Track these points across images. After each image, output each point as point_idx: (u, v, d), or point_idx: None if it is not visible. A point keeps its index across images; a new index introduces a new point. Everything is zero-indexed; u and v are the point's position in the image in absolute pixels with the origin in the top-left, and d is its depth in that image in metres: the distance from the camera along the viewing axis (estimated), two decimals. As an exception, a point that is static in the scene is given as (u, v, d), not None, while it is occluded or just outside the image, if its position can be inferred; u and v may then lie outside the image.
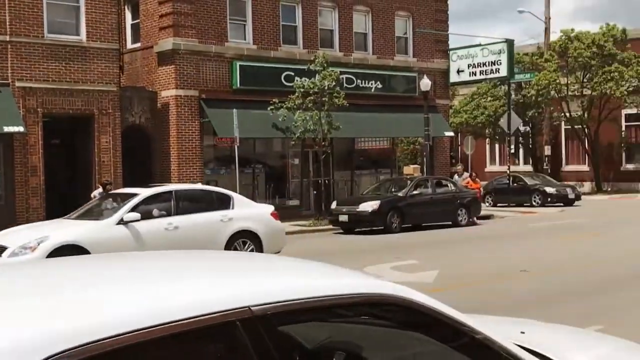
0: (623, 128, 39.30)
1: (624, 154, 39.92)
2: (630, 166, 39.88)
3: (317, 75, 22.35)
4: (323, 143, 22.80)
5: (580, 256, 14.29)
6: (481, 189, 24.71)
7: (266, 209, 14.48)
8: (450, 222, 21.70)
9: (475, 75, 29.22)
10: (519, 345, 2.76)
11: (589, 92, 35.65)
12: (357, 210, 20.34)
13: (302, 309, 2.27)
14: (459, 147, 39.30)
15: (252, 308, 2.13)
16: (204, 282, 2.44)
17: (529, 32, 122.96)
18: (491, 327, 2.79)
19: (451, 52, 29.62)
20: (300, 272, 2.73)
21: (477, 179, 25.52)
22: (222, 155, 23.93)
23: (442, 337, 2.54)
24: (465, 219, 22.03)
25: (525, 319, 4.61)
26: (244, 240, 13.36)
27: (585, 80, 35.97)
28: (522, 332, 3.23)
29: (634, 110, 37.15)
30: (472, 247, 16.68)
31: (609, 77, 33.94)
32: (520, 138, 41.32)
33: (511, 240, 17.95)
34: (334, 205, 21.50)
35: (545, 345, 3.03)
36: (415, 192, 21.46)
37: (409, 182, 22.29)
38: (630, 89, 34.65)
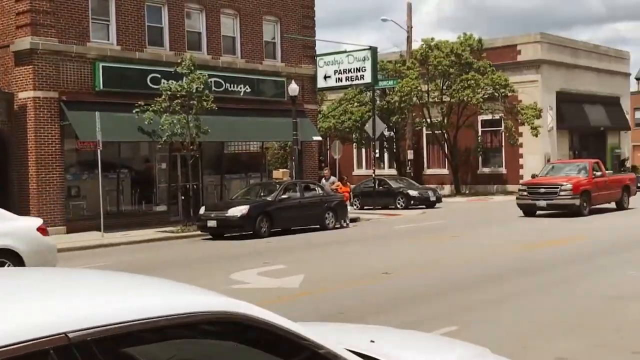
0: (479, 133, 41.56)
1: (480, 158, 42.28)
2: (486, 170, 42.28)
3: (184, 78, 22.00)
4: (191, 147, 22.47)
5: (440, 258, 14.87)
6: (351, 192, 25.26)
7: (32, 223, 12.55)
8: (318, 226, 22.06)
9: (341, 81, 29.88)
10: (366, 356, 2.83)
11: (448, 99, 37.40)
12: (226, 215, 20.20)
13: (129, 332, 2.10)
14: (328, 152, 40.03)
15: (69, 335, 1.95)
16: (12, 307, 2.15)
17: (394, 40, 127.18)
18: (341, 336, 2.83)
19: (318, 58, 30.13)
20: (131, 291, 2.53)
21: (347, 183, 26.11)
22: (84, 159, 23.01)
23: (285, 354, 2.50)
24: (332, 222, 22.46)
25: (379, 326, 4.72)
26: (1, 261, 11.34)
27: (444, 87, 37.72)
28: (372, 341, 3.26)
29: (489, 117, 39.42)
30: (338, 251, 16.99)
31: (466, 85, 35.76)
32: (385, 143, 42.72)
33: (376, 243, 18.43)
34: (202, 210, 21.23)
35: (393, 354, 3.08)
36: (284, 196, 21.61)
37: (278, 186, 22.42)
38: (486, 96, 36.70)
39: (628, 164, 49.87)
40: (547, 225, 21.52)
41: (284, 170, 27.44)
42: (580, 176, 25.12)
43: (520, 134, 38.73)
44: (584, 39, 64.66)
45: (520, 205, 25.09)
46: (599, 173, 25.78)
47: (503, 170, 41.94)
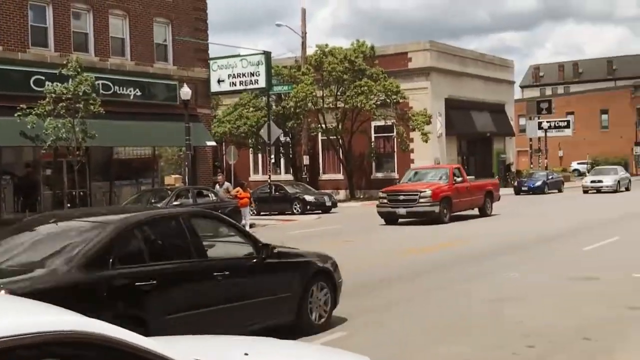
0: (372, 139, 42.38)
1: (373, 163, 43.11)
2: (379, 174, 43.12)
3: (70, 80, 21.18)
4: (77, 152, 21.64)
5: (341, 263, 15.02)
6: (251, 197, 25.04)
7: None
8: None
9: (235, 85, 29.71)
10: None
11: (342, 104, 37.92)
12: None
13: None
14: (224, 157, 39.68)
15: None
16: None
17: (290, 46, 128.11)
18: (216, 349, 2.72)
19: (211, 62, 29.82)
20: None
21: (247, 188, 25.79)
22: (-40, 165, 21.72)
23: None
24: (226, 228, 22.18)
25: (257, 337, 4.62)
26: None
27: (339, 93, 38.21)
28: (246, 354, 3.20)
29: (381, 123, 40.26)
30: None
31: (359, 91, 36.36)
32: (282, 148, 42.80)
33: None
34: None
35: None
36: (176, 202, 21.15)
37: (169, 192, 21.96)
38: (378, 102, 37.45)
39: (513, 169, 52.31)
40: (409, 233, 21.15)
41: (176, 176, 26.96)
42: (441, 182, 24.44)
43: (412, 140, 39.78)
44: (472, 48, 67.42)
45: (380, 214, 24.34)
46: (459, 179, 25.02)
47: (395, 175, 42.84)
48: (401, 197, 23.84)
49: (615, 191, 39.83)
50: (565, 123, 54.25)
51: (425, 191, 23.35)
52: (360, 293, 10.82)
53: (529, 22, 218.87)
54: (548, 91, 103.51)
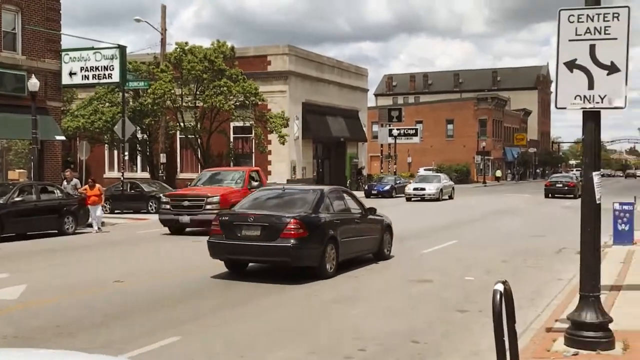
0: (231, 139, 42.52)
1: (232, 164, 43.16)
2: (236, 175, 43.31)
3: None
4: None
5: (180, 263, 14.99)
6: (103, 195, 24.01)
7: None
8: (56, 231, 20.98)
9: (88, 79, 28.75)
10: None
11: (201, 104, 37.72)
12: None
13: None
14: (77, 152, 38.19)
15: None
16: None
17: (154, 43, 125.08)
18: None
19: (63, 53, 28.68)
20: None
21: (98, 185, 24.71)
22: None
23: None
24: (72, 227, 21.48)
25: (65, 351, 4.10)
26: None
27: (198, 92, 37.95)
28: None
29: (240, 124, 40.50)
30: (73, 258, 16.17)
31: (218, 91, 36.32)
32: (138, 145, 41.86)
33: (116, 249, 17.90)
34: None
35: None
36: (18, 199, 20.19)
37: (11, 187, 20.91)
38: (237, 103, 37.65)
39: (364, 173, 54.33)
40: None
41: (21, 171, 25.72)
42: (234, 186, 21.93)
43: (269, 142, 40.35)
44: (331, 55, 69.23)
45: (162, 221, 21.35)
46: (256, 183, 22.39)
47: (253, 175, 43.34)
48: (185, 203, 20.85)
49: (437, 199, 39.83)
50: (414, 131, 57.09)
51: (212, 197, 20.54)
52: (205, 293, 10.84)
53: (385, 34, 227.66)
54: (400, 100, 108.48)
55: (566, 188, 43.81)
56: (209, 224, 19.00)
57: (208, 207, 20.24)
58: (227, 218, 12.80)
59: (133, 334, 8.36)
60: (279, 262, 12.60)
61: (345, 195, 14.70)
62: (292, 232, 11.99)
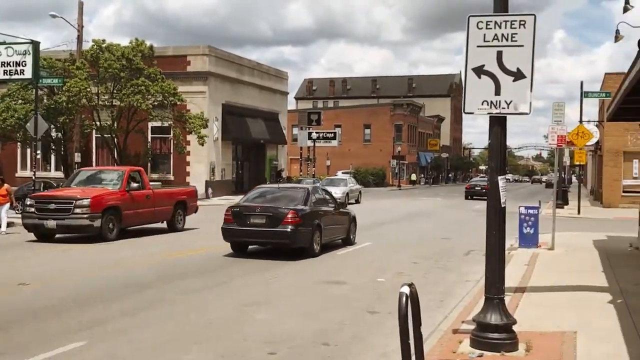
0: (149, 139, 41.82)
1: (149, 164, 42.53)
2: (155, 175, 42.47)
3: None
4: None
5: (91, 265, 14.67)
6: (11, 195, 22.94)
7: None
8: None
9: (-1, 74, 27.75)
10: None
11: (118, 102, 36.97)
12: None
13: None
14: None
15: None
16: None
17: (69, 39, 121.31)
18: None
19: (-28, 48, 27.58)
20: None
21: (7, 185, 23.61)
22: None
23: None
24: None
25: None
26: None
27: (115, 91, 37.17)
28: None
29: (158, 124, 39.91)
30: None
31: (136, 90, 35.66)
32: (53, 144, 40.67)
33: (23, 249, 17.30)
34: None
35: None
36: None
37: None
38: (155, 103, 37.09)
39: (284, 175, 54.53)
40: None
41: None
42: (109, 188, 19.77)
43: (188, 143, 39.93)
44: (253, 58, 69.14)
45: (26, 226, 19.27)
46: (136, 185, 20.34)
47: (171, 176, 42.74)
48: (52, 206, 18.69)
49: (343, 203, 38.29)
50: (333, 134, 57.59)
51: (82, 199, 18.44)
52: (114, 297, 10.64)
53: (306, 39, 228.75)
54: (320, 104, 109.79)
55: (484, 191, 45.86)
56: (80, 230, 18.31)
57: (77, 210, 18.28)
58: (237, 209, 16.08)
59: (31, 340, 8.11)
60: (280, 243, 15.82)
61: (324, 192, 18.31)
62: (290, 220, 15.37)
